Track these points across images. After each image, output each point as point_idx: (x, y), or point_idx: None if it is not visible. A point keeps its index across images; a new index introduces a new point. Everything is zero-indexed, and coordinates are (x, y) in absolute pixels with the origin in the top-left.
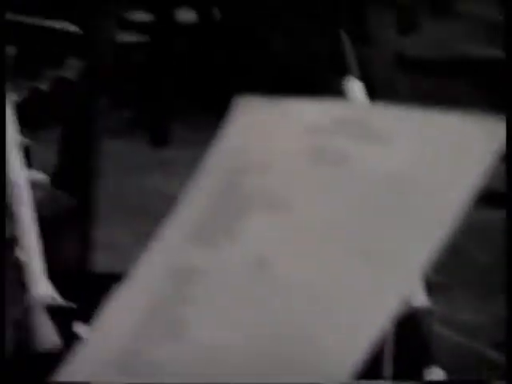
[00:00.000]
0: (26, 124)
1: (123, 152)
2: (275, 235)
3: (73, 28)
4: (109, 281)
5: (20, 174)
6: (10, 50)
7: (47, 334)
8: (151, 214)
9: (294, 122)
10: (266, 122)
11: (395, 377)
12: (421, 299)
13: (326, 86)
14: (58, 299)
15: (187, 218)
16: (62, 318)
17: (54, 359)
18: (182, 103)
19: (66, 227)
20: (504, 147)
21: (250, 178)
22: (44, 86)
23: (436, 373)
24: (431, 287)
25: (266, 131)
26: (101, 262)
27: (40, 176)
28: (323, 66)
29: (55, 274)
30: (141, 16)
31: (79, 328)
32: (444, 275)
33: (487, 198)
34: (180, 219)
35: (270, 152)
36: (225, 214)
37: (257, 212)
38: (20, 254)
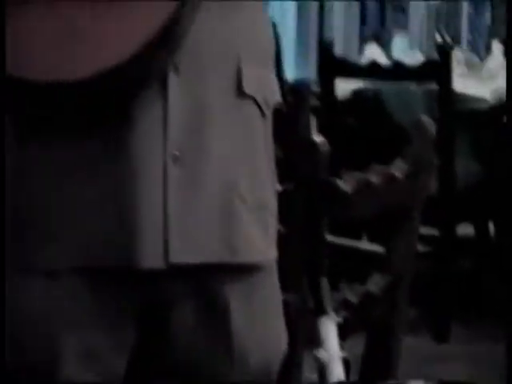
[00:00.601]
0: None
1: (411, 346)
2: None
3: (376, 247)
4: None
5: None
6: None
7: None
8: None
9: None
10: None
11: None
12: None
13: None
14: None
15: None
16: None
17: None
18: (460, 305)
19: None
20: None
21: None
22: (353, 299)
23: None
24: None
25: None
26: None
27: None
28: None
29: None
30: (426, 230)
31: None
32: None
33: None
34: None
35: None
36: None
37: None
38: None
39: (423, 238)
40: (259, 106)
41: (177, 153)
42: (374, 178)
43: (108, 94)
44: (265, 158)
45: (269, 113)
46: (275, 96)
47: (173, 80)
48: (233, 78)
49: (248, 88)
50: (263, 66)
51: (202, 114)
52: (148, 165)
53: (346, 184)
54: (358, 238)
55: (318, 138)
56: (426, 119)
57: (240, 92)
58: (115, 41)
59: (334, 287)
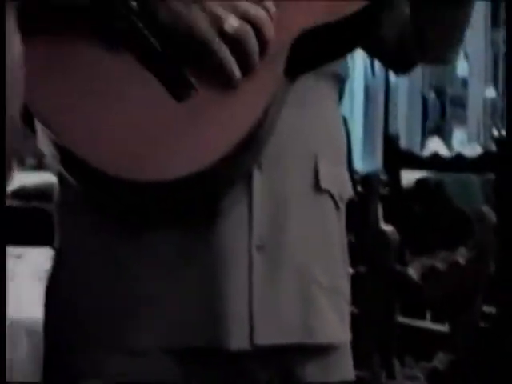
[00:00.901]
0: None
1: None
2: None
3: (441, 327)
4: None
5: None
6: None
7: None
8: None
9: None
10: None
11: None
12: None
13: None
14: None
15: None
16: None
17: None
18: None
19: None
20: None
21: None
22: (420, 375)
23: None
24: None
25: None
26: None
27: None
28: None
29: None
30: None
31: None
32: None
33: None
34: None
35: None
36: None
37: None
38: None
39: (481, 315)
40: (334, 200)
41: (260, 243)
42: (440, 264)
43: (199, 191)
44: (339, 247)
45: (342, 206)
46: (348, 190)
47: (257, 177)
48: (310, 175)
49: (324, 184)
50: (338, 162)
51: (282, 207)
52: (235, 254)
53: (414, 271)
54: (422, 316)
55: (387, 228)
56: (486, 210)
57: (317, 188)
58: (206, 142)
59: (400, 363)
